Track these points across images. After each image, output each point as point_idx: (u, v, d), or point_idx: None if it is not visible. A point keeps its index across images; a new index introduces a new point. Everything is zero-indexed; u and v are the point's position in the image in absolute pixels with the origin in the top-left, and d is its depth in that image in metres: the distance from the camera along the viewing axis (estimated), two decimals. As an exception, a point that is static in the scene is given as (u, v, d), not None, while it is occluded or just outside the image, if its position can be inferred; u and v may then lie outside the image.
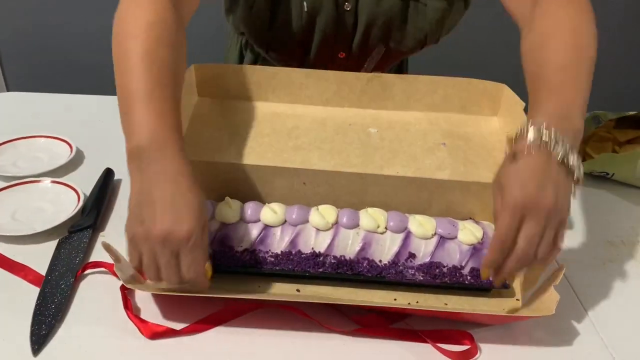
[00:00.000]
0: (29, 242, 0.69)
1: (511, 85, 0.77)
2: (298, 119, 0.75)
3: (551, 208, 0.51)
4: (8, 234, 0.68)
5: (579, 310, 0.66)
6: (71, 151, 0.85)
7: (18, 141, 0.88)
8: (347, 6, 0.80)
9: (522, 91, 0.71)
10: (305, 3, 0.80)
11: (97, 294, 0.62)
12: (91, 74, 1.20)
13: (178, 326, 0.59)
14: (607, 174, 0.89)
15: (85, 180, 0.78)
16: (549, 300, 0.58)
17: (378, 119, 0.77)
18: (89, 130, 0.93)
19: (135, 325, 0.58)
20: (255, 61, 0.99)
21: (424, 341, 0.59)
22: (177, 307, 0.60)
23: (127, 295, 0.61)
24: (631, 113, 0.91)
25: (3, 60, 1.15)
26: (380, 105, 0.78)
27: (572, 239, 0.77)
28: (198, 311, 0.60)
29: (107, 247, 0.59)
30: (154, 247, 0.52)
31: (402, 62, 1.05)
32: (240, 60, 1.03)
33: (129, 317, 0.59)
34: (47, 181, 0.79)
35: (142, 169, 0.52)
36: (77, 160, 0.86)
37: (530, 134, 0.52)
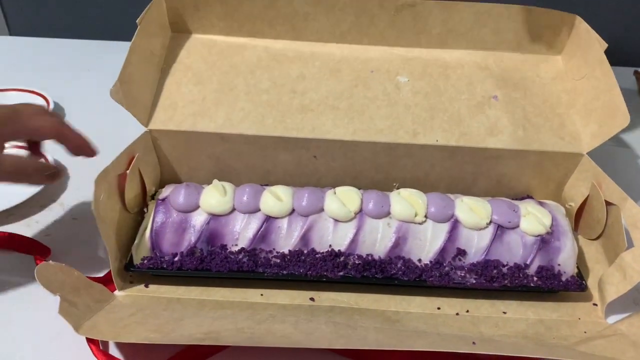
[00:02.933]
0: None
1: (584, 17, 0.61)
2: (304, 63, 0.61)
3: None
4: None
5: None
6: (47, 107, 0.71)
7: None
8: None
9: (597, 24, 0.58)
10: None
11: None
12: (99, 18, 1.11)
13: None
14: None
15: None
16: None
17: (409, 62, 0.62)
18: (72, 81, 0.81)
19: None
20: None
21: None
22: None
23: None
24: None
25: (4, 3, 1.06)
26: (412, 42, 0.63)
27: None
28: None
29: None
30: None
31: None
32: None
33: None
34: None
35: None
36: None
37: None
